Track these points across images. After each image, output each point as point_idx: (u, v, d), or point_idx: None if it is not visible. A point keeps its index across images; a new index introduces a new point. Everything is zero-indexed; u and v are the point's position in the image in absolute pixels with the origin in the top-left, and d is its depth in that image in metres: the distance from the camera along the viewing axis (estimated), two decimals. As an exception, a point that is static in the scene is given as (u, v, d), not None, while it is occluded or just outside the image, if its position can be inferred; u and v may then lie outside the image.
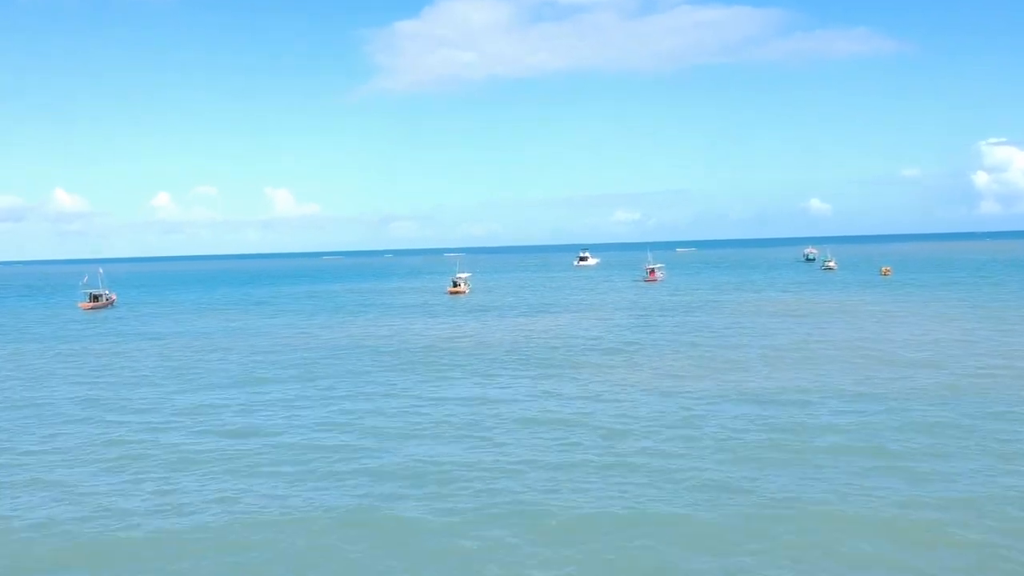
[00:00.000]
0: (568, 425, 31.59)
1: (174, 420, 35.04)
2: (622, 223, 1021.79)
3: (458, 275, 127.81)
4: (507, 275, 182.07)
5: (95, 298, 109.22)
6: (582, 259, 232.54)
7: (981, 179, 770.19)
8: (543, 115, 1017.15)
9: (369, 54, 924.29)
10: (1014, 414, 31.28)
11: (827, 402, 34.30)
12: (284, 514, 22.58)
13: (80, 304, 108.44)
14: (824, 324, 62.58)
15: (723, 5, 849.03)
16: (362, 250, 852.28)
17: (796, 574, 18.34)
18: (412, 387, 40.99)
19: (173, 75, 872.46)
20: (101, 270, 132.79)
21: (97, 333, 74.36)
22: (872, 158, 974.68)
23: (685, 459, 26.49)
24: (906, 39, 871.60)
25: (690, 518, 21.43)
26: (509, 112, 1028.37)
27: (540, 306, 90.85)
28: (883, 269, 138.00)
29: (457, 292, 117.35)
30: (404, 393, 39.47)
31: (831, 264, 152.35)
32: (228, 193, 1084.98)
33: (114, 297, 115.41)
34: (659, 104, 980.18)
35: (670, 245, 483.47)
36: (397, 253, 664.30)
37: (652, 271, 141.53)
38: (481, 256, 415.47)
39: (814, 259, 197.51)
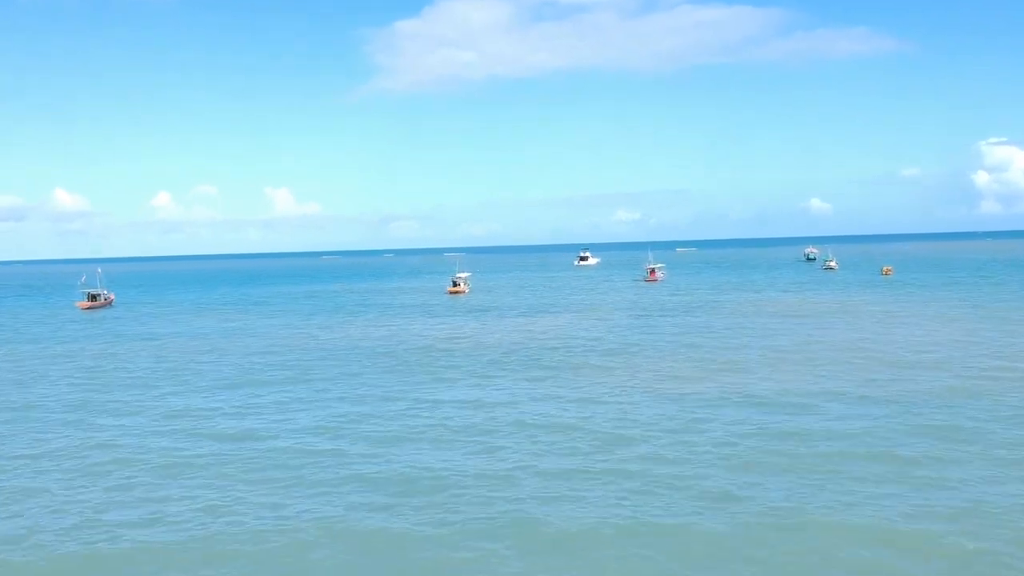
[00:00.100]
0: (567, 429, 31.03)
1: (166, 424, 34.47)
2: (623, 223, 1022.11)
3: (458, 275, 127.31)
4: (507, 275, 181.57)
5: (93, 298, 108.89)
6: (582, 259, 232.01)
7: (981, 179, 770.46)
8: (543, 115, 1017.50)
9: (369, 54, 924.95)
10: (1021, 418, 30.71)
11: (829, 405, 33.75)
12: (274, 524, 21.97)
13: (78, 304, 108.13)
14: (826, 325, 62.05)
15: (724, 5, 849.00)
16: (362, 250, 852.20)
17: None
18: (409, 390, 40.45)
19: (173, 75, 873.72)
20: (100, 270, 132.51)
21: (94, 333, 73.87)
22: (872, 158, 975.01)
23: (685, 465, 25.92)
24: (906, 39, 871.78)
25: (690, 528, 20.86)
26: (509, 112, 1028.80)
27: (540, 306, 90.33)
28: (884, 269, 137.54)
29: (457, 292, 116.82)
30: (401, 396, 38.93)
31: (832, 264, 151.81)
32: (228, 193, 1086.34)
33: (112, 297, 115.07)
34: (659, 104, 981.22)
35: (670, 245, 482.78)
36: (398, 253, 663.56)
37: (652, 271, 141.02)
38: (481, 256, 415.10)
39: (815, 259, 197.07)
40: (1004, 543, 19.31)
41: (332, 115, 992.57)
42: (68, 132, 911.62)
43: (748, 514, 21.56)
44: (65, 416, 36.87)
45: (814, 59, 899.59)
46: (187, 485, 25.59)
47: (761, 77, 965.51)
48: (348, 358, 52.31)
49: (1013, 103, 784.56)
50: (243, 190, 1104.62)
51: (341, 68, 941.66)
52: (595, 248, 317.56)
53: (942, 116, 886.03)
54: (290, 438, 31.11)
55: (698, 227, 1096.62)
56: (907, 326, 59.98)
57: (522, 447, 28.73)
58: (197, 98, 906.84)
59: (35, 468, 28.22)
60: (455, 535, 20.82)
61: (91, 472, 27.44)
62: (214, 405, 38.18)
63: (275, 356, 54.27)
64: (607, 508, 22.29)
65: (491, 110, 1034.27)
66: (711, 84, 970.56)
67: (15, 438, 32.84)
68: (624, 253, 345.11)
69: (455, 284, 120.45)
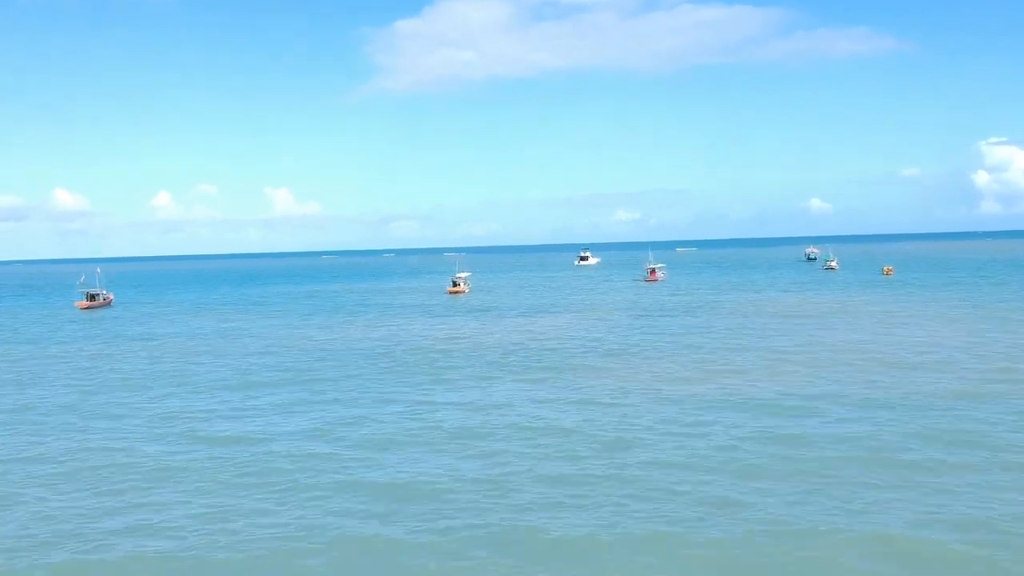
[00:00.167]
0: (566, 433, 30.61)
1: (160, 427, 34.05)
2: (623, 222, 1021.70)
3: (458, 275, 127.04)
4: (507, 275, 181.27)
5: (92, 297, 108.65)
6: (583, 259, 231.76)
7: (982, 179, 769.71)
8: (543, 115, 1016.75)
9: (369, 54, 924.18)
10: (1025, 422, 30.31)
11: (832, 409, 33.32)
12: (268, 532, 21.52)
13: (77, 304, 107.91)
14: (827, 325, 61.69)
15: (724, 4, 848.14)
16: (363, 249, 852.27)
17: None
18: (407, 392, 40.07)
19: (173, 75, 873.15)
20: (99, 270, 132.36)
21: (92, 334, 73.55)
22: (872, 158, 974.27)
23: (686, 471, 25.49)
24: (906, 38, 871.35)
25: (690, 535, 20.44)
26: (509, 112, 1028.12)
27: (540, 306, 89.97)
28: (885, 269, 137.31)
29: (457, 292, 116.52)
30: (398, 398, 38.55)
31: (833, 264, 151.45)
32: (228, 192, 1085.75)
33: (111, 297, 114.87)
34: (659, 104, 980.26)
35: (671, 244, 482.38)
36: (398, 253, 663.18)
37: (653, 271, 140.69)
38: (481, 256, 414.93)
39: (815, 259, 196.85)
40: (1013, 552, 18.91)
41: (332, 115, 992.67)
42: (68, 132, 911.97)
43: (749, 522, 21.15)
44: (59, 419, 36.49)
45: (814, 59, 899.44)
46: (180, 491, 25.18)
47: (761, 77, 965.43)
48: (346, 359, 51.95)
49: (1013, 103, 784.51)
50: (243, 190, 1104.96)
51: (341, 68, 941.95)
52: (595, 248, 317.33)
53: (942, 116, 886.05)
54: (285, 442, 30.72)
55: (698, 227, 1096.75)
56: (909, 326, 59.63)
57: (520, 451, 28.31)
58: (197, 98, 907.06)
59: (26, 472, 27.83)
60: (451, 543, 20.39)
61: (83, 477, 27.03)
62: (210, 407, 37.81)
63: (272, 357, 53.93)
64: (606, 515, 21.87)
65: (491, 110, 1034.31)
66: (711, 84, 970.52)
67: (7, 441, 32.48)
68: (624, 253, 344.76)
69: (455, 284, 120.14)
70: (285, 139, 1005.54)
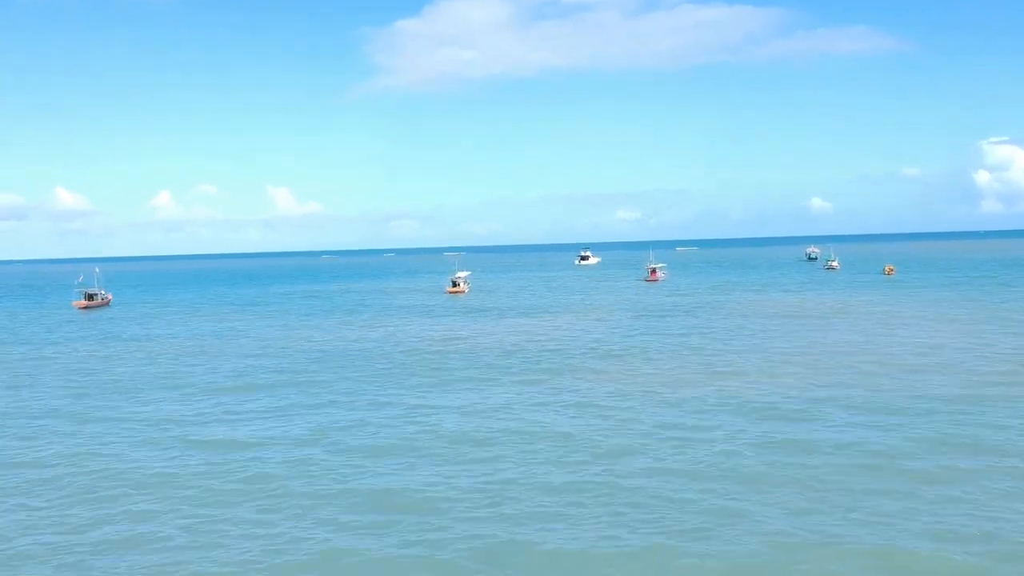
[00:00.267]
0: (563, 439, 29.98)
1: (152, 432, 33.41)
2: (624, 222, 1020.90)
3: (457, 274, 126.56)
4: (507, 274, 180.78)
5: (90, 297, 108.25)
6: (583, 258, 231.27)
7: (983, 178, 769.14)
8: (543, 114, 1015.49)
9: (370, 53, 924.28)
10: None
11: (835, 413, 32.72)
12: (257, 543, 20.91)
13: (75, 303, 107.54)
14: (829, 326, 61.15)
15: (724, 4, 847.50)
16: (363, 249, 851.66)
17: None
18: (403, 395, 39.50)
19: (173, 75, 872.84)
20: (97, 269, 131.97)
21: (88, 334, 73.04)
22: (873, 157, 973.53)
23: (686, 479, 24.85)
24: (907, 38, 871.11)
25: (690, 548, 19.80)
26: (509, 111, 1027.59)
27: (539, 307, 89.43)
28: (886, 268, 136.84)
29: (456, 292, 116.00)
30: (394, 401, 37.97)
31: (834, 264, 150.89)
32: (229, 192, 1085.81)
33: (110, 297, 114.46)
34: (660, 103, 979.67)
35: (671, 244, 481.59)
36: (399, 252, 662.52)
37: (654, 271, 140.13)
38: (481, 255, 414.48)
39: (816, 258, 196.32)
40: None
41: (333, 115, 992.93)
42: (69, 131, 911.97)
43: (750, 534, 20.53)
44: (49, 422, 35.90)
45: (814, 58, 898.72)
46: (170, 499, 24.55)
47: (761, 77, 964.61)
48: (343, 361, 51.42)
49: (1014, 102, 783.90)
50: (243, 189, 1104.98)
51: (342, 68, 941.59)
52: (596, 247, 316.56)
53: (943, 115, 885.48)
54: (279, 447, 30.14)
55: (699, 226, 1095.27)
56: (911, 327, 59.10)
57: (517, 458, 27.71)
58: (197, 98, 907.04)
59: (10, 479, 27.22)
60: (443, 557, 19.75)
61: (70, 484, 26.42)
62: (203, 411, 37.25)
63: (268, 359, 53.39)
64: (604, 527, 21.25)
65: (491, 110, 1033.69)
66: (711, 84, 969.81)
67: (-4, 447, 31.92)
68: (625, 252, 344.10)
69: (454, 284, 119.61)
70: (285, 139, 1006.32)
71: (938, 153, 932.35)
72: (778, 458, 26.64)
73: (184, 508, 23.73)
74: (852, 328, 59.63)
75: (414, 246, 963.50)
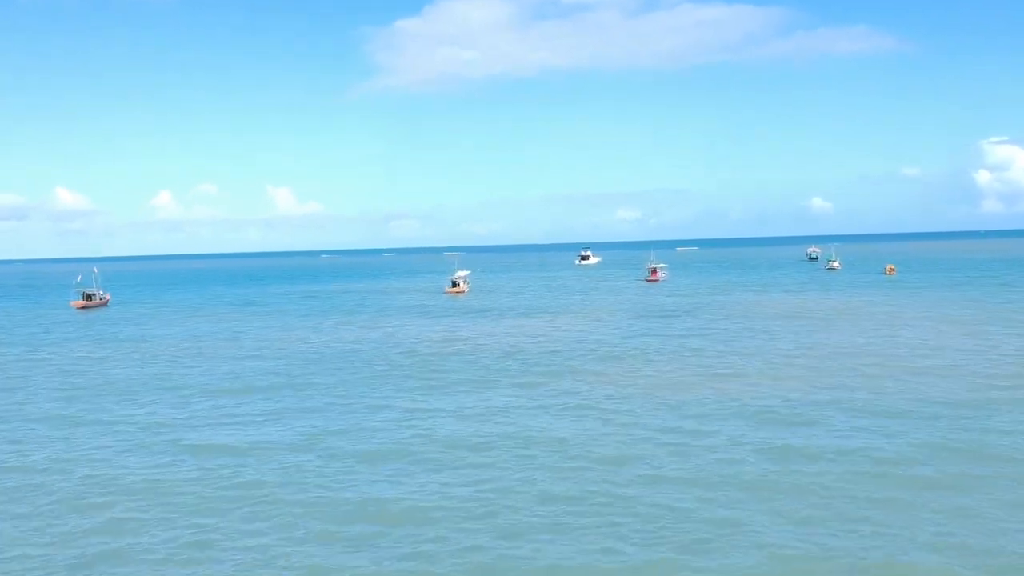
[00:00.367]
0: (561, 445, 29.37)
1: (144, 436, 32.83)
2: (624, 221, 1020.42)
3: (457, 274, 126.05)
4: (508, 274, 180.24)
5: (88, 297, 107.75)
6: (583, 258, 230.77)
7: (983, 178, 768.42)
8: (543, 114, 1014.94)
9: (370, 53, 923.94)
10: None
11: (839, 418, 32.14)
12: (248, 559, 20.32)
13: (73, 303, 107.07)
14: (831, 328, 60.60)
15: (724, 3, 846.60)
16: (363, 249, 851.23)
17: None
18: (400, 398, 38.93)
19: (173, 75, 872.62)
20: (96, 269, 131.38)
21: (84, 335, 72.53)
22: (873, 157, 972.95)
23: (686, 489, 24.27)
24: (907, 38, 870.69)
25: (691, 564, 19.21)
26: (509, 111, 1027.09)
27: (539, 307, 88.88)
28: (888, 268, 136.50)
29: (456, 292, 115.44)
30: (390, 405, 37.40)
31: (835, 264, 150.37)
32: (229, 192, 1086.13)
33: (108, 297, 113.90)
34: (660, 103, 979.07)
35: (671, 244, 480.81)
36: (399, 252, 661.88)
37: (654, 271, 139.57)
38: (482, 255, 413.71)
39: (817, 258, 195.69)
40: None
41: (333, 114, 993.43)
42: (69, 131, 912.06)
43: (752, 546, 19.95)
44: (40, 426, 35.33)
45: (815, 58, 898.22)
46: (158, 507, 23.99)
47: (762, 76, 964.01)
48: (340, 363, 50.89)
49: (1014, 102, 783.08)
50: (244, 189, 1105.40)
51: (342, 67, 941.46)
52: (596, 247, 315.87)
53: (943, 115, 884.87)
54: (271, 454, 29.54)
55: (699, 226, 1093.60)
56: (914, 328, 58.58)
57: (513, 465, 27.10)
58: (197, 98, 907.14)
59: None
60: (438, 573, 19.11)
61: (59, 491, 25.85)
62: (196, 415, 36.68)
63: (265, 361, 52.84)
64: (601, 538, 20.65)
65: (491, 109, 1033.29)
66: (711, 83, 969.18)
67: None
68: (625, 252, 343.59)
69: (454, 284, 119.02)
70: (286, 138, 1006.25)
71: (938, 153, 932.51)
72: (780, 465, 26.08)
73: (172, 517, 23.17)
74: (854, 329, 59.10)
75: (414, 246, 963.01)
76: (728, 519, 21.64)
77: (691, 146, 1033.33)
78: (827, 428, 30.73)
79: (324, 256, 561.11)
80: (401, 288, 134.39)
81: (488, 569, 19.28)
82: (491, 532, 21.35)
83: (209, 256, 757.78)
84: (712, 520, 21.61)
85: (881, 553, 19.31)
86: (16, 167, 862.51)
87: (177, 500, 24.59)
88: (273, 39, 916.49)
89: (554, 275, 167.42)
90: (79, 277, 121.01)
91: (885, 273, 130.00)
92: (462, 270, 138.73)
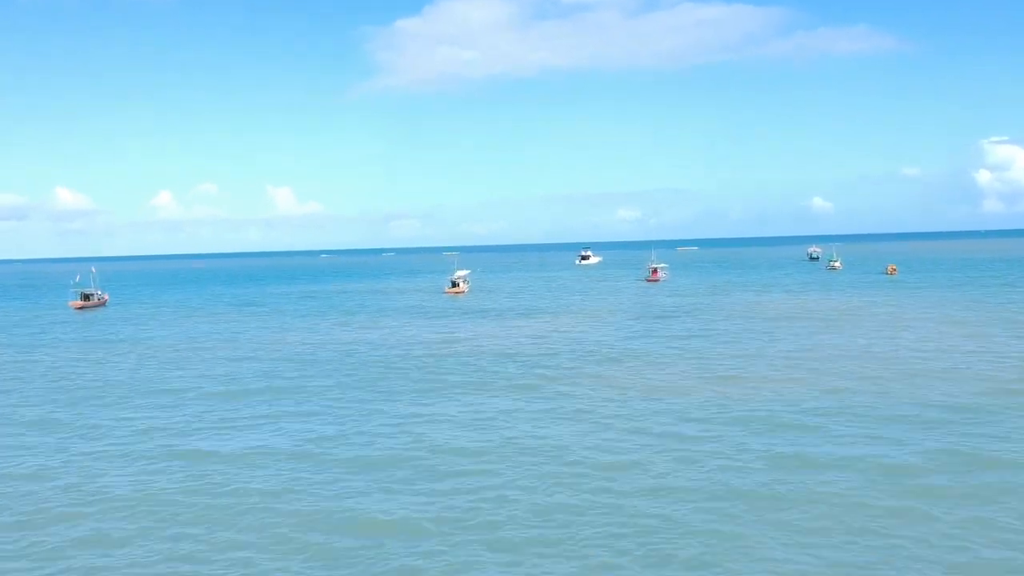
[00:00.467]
0: (558, 452, 28.67)
1: (135, 443, 32.09)
2: (625, 221, 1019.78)
3: (457, 274, 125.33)
4: (508, 274, 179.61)
5: (86, 297, 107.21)
6: (584, 258, 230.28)
7: (983, 177, 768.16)
8: (543, 114, 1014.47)
9: (370, 52, 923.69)
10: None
11: (843, 424, 31.40)
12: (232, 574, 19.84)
13: (71, 303, 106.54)
14: (833, 329, 59.97)
15: (724, 3, 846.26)
16: (363, 248, 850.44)
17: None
18: (396, 403, 38.24)
19: (173, 75, 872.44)
20: (94, 269, 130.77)
21: (81, 336, 71.90)
22: (874, 157, 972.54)
23: (687, 499, 23.58)
24: (907, 38, 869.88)
25: None
26: (509, 111, 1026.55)
27: (539, 308, 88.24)
28: (889, 268, 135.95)
29: (455, 292, 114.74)
30: (386, 410, 36.70)
31: (836, 264, 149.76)
32: (230, 191, 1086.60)
33: (106, 297, 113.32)
34: (660, 103, 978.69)
35: (672, 244, 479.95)
36: (399, 252, 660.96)
37: (655, 271, 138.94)
38: (482, 255, 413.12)
39: (818, 258, 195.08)
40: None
41: (333, 114, 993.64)
42: (69, 131, 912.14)
43: (754, 560, 19.30)
44: (31, 430, 34.60)
45: (815, 58, 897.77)
46: (145, 517, 23.30)
47: (762, 76, 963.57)
48: (336, 365, 50.25)
49: (1014, 102, 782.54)
50: (244, 189, 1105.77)
51: (342, 67, 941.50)
52: (596, 247, 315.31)
53: (943, 115, 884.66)
54: (264, 461, 28.82)
55: (699, 226, 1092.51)
56: (916, 329, 57.95)
57: (508, 474, 26.31)
58: (197, 98, 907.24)
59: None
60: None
61: (45, 500, 25.14)
62: (189, 420, 35.97)
63: (261, 363, 52.17)
64: (598, 555, 19.93)
65: (491, 109, 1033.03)
66: (711, 83, 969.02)
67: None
68: (625, 252, 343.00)
69: (454, 284, 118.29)
70: (286, 138, 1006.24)
71: (938, 153, 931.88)
72: (783, 475, 25.38)
73: (159, 528, 22.50)
74: (857, 330, 58.48)
75: (414, 246, 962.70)
76: (733, 532, 20.93)
77: (691, 146, 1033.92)
78: (831, 435, 30.07)
79: (324, 256, 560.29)
80: (400, 288, 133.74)
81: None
82: (479, 548, 20.60)
83: (209, 256, 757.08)
84: (717, 533, 20.90)
85: (889, 571, 18.62)
86: (16, 167, 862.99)
87: (166, 510, 23.91)
88: (273, 39, 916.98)
89: (554, 275, 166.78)
90: (77, 277, 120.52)
91: (886, 273, 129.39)
92: (462, 270, 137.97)
